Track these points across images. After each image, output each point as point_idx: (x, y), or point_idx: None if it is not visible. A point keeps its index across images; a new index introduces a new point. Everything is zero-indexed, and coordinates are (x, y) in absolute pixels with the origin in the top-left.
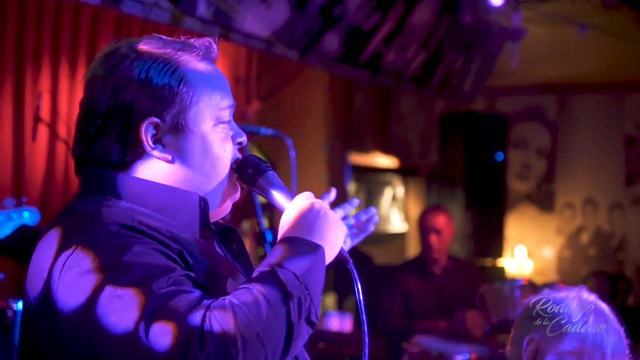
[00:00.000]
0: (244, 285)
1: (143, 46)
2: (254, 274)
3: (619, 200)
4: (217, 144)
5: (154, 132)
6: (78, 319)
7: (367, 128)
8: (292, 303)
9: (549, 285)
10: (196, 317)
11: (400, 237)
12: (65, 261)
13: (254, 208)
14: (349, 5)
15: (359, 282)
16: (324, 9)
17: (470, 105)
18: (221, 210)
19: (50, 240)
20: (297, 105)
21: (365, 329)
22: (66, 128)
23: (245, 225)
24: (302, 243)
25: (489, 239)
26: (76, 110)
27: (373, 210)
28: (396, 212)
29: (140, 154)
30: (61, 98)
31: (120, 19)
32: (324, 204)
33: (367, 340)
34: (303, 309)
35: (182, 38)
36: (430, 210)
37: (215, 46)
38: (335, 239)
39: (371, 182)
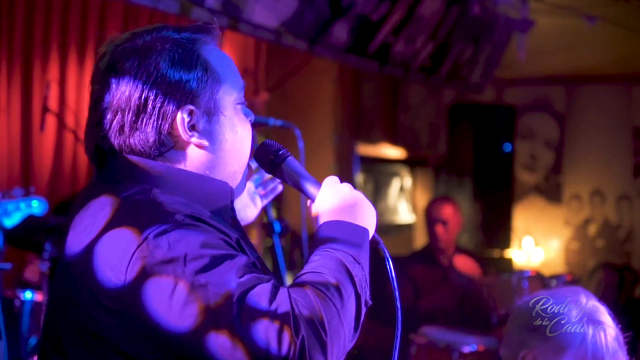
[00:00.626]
0: (311, 269)
1: (164, 35)
2: (315, 258)
3: (626, 191)
4: (241, 124)
5: (189, 119)
6: (158, 311)
7: (376, 118)
8: (357, 285)
9: (557, 277)
10: (285, 303)
11: (408, 227)
12: (134, 252)
13: None
14: None
15: (391, 262)
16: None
17: (478, 96)
18: (239, 192)
19: (105, 231)
20: (306, 96)
21: (398, 305)
22: (74, 118)
23: None
24: (350, 226)
25: (497, 230)
26: (84, 99)
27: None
28: (404, 202)
29: (175, 142)
30: (69, 88)
31: (128, 9)
32: (352, 187)
33: (399, 318)
34: (364, 290)
35: (190, 24)
36: (437, 201)
37: (218, 29)
38: (371, 222)
39: (379, 172)
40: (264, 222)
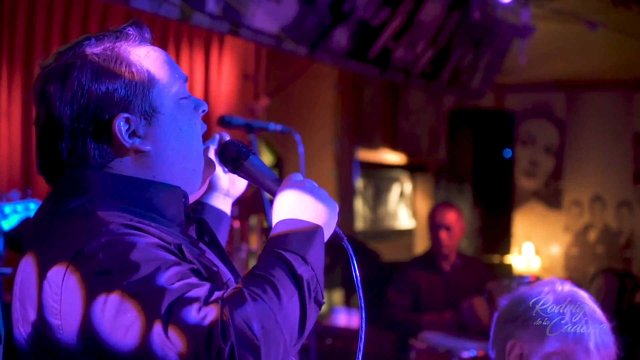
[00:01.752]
0: (253, 271)
1: (83, 49)
2: (261, 259)
3: (626, 198)
4: (186, 120)
5: (127, 126)
6: (88, 323)
7: (376, 124)
8: (303, 286)
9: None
10: (214, 310)
11: (408, 233)
12: (68, 266)
13: (261, 203)
14: (358, 0)
15: (354, 259)
16: (333, 5)
17: (479, 102)
18: (201, 190)
19: (46, 246)
20: (306, 101)
21: (362, 304)
22: None
23: (253, 220)
24: (301, 224)
25: (497, 235)
26: None
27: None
28: (404, 208)
29: (117, 151)
30: None
31: (129, 14)
32: (314, 183)
33: (364, 316)
34: (312, 290)
35: (111, 28)
36: (441, 207)
37: (146, 27)
38: (330, 218)
39: (379, 178)
40: (263, 227)
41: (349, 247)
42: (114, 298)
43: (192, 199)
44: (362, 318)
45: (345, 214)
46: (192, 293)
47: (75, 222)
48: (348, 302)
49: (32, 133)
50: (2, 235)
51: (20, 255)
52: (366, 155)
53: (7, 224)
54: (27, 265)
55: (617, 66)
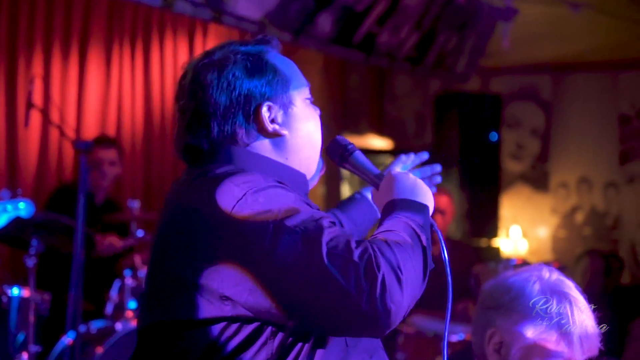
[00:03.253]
0: (383, 229)
1: (230, 49)
2: (388, 222)
3: (613, 179)
4: (312, 117)
5: (269, 113)
6: (261, 257)
7: (362, 109)
8: (424, 243)
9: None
10: (366, 249)
11: None
12: (235, 205)
13: None
14: None
15: (444, 244)
16: None
17: (465, 86)
18: (314, 182)
19: (203, 200)
20: None
21: (450, 289)
22: (59, 113)
23: None
24: (413, 203)
25: (484, 219)
26: (69, 94)
27: (424, 156)
28: None
29: (257, 135)
30: (54, 83)
31: (112, 3)
32: (410, 173)
33: (450, 303)
34: (428, 248)
35: (254, 38)
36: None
37: (276, 40)
38: (429, 202)
39: None
40: None
41: (439, 232)
42: (279, 231)
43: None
44: (448, 309)
45: (333, 200)
46: (345, 235)
47: (230, 179)
48: None
49: (16, 125)
50: None
51: (161, 215)
52: (353, 140)
53: None
54: (177, 220)
55: (601, 47)
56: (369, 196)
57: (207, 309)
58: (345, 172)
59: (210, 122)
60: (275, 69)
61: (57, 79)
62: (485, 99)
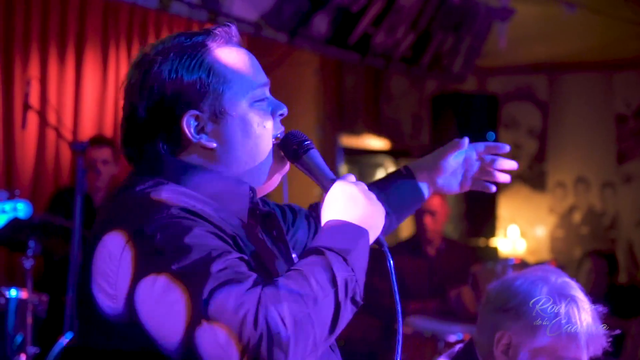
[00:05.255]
0: (294, 267)
1: (168, 45)
2: (303, 256)
3: (610, 178)
4: (256, 123)
5: (196, 123)
6: (137, 297)
7: (358, 110)
8: (339, 285)
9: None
10: (251, 299)
11: None
12: (127, 242)
13: None
14: None
15: (392, 263)
16: None
17: (461, 86)
18: (269, 185)
19: (112, 221)
20: (288, 88)
21: (399, 309)
22: (56, 115)
23: None
24: (349, 227)
25: (482, 219)
26: (65, 96)
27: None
28: None
29: (185, 146)
30: (50, 85)
31: (108, 5)
32: (364, 187)
33: (400, 321)
34: (349, 290)
35: (203, 29)
36: None
37: (234, 29)
38: (377, 223)
39: (363, 164)
40: None
41: (389, 253)
42: (163, 278)
43: (262, 192)
44: (399, 324)
45: None
46: (235, 281)
47: (141, 202)
48: None
49: (13, 127)
50: None
51: (95, 226)
52: (349, 141)
53: None
54: (96, 236)
55: (597, 47)
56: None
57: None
58: (342, 171)
59: (135, 130)
60: (210, 69)
61: (54, 81)
62: (482, 99)
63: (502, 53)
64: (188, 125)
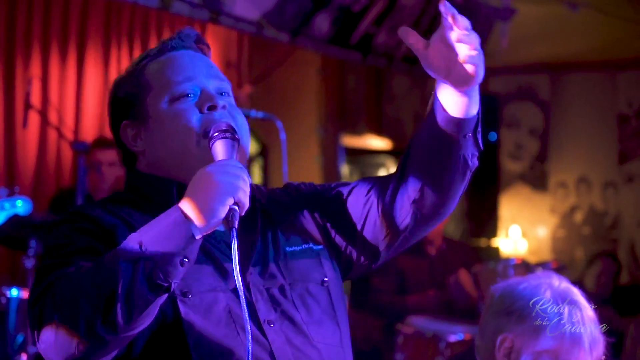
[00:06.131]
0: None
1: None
2: (129, 239)
3: (612, 178)
4: (177, 119)
5: (133, 132)
6: None
7: (360, 109)
8: (123, 267)
9: (542, 265)
10: (49, 279)
11: None
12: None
13: None
14: None
15: (236, 246)
16: None
17: None
18: None
19: None
20: (290, 88)
21: (243, 294)
22: (57, 114)
23: None
24: (168, 213)
25: (483, 219)
26: (67, 95)
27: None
28: None
29: (135, 156)
30: (52, 84)
31: (110, 4)
32: (231, 162)
33: (246, 308)
34: (138, 272)
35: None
36: None
37: (188, 31)
38: (208, 197)
39: (365, 164)
40: None
41: (235, 235)
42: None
43: None
44: (243, 309)
45: None
46: (58, 267)
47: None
48: None
49: (14, 126)
50: None
51: None
52: (351, 141)
53: None
54: None
55: (600, 47)
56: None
57: None
58: (344, 171)
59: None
60: (139, 78)
61: (55, 80)
62: (484, 99)
63: (504, 53)
64: (123, 133)
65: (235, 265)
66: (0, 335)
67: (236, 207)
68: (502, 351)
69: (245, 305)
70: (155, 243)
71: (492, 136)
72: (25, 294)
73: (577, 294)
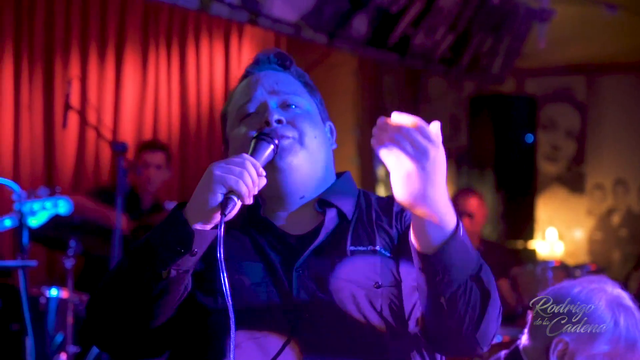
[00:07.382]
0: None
1: None
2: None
3: None
4: (241, 138)
5: (224, 156)
6: None
7: (396, 111)
8: (129, 262)
9: (580, 267)
10: None
11: None
12: None
13: None
14: None
15: (222, 245)
16: None
17: (499, 87)
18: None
19: None
20: (326, 90)
21: (228, 293)
22: (96, 114)
23: None
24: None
25: (520, 221)
26: (105, 96)
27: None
28: None
29: None
30: (90, 85)
31: (148, 5)
32: (226, 160)
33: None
34: (138, 261)
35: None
36: (462, 193)
37: (265, 53)
38: (202, 188)
39: None
40: None
41: (221, 227)
42: None
43: (274, 190)
44: (229, 305)
45: None
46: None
47: None
48: None
49: (53, 127)
50: (27, 229)
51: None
52: None
53: (36, 221)
54: None
55: (636, 48)
56: None
57: None
58: (380, 173)
59: None
60: (224, 107)
61: (94, 81)
62: (520, 101)
63: (541, 54)
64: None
65: (220, 254)
66: (39, 335)
67: (234, 197)
68: (557, 354)
69: (228, 292)
70: (157, 234)
71: (529, 138)
72: (64, 294)
73: (628, 299)
